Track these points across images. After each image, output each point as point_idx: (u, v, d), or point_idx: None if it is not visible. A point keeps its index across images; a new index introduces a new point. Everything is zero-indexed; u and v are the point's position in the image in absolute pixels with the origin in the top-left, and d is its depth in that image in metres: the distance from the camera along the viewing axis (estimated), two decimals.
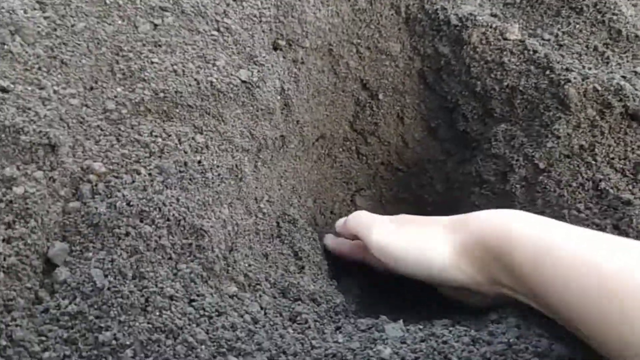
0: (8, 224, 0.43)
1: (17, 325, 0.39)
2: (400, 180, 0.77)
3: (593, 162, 0.57)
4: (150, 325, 0.41)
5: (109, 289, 0.42)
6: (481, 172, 0.64)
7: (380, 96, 0.71)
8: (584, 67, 0.60)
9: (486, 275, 0.44)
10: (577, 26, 0.64)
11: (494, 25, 0.64)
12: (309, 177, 0.71)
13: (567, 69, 0.59)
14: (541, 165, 0.58)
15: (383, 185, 0.78)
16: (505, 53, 0.63)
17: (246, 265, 0.50)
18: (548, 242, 0.39)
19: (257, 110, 0.59)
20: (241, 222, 0.53)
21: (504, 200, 0.62)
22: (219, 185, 0.52)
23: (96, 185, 0.48)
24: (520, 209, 0.60)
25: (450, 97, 0.68)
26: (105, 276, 0.43)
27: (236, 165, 0.54)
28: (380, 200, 0.79)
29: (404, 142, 0.74)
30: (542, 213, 0.58)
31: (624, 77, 0.60)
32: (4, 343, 0.38)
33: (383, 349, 0.42)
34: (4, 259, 0.41)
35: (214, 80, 0.56)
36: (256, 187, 0.57)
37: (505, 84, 0.62)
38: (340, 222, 0.59)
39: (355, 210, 0.76)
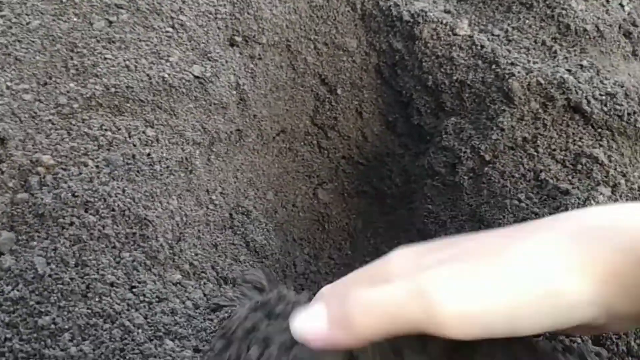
0: None
1: None
2: (361, 173, 0.78)
3: (535, 153, 0.58)
4: (89, 311, 0.43)
5: (50, 275, 0.44)
6: (433, 164, 0.66)
7: (339, 91, 0.73)
8: (529, 61, 0.62)
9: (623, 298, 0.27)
10: (527, 21, 0.66)
11: (444, 21, 0.65)
12: (269, 170, 0.73)
13: (512, 64, 0.61)
14: (487, 157, 0.60)
15: (345, 178, 0.79)
16: (454, 48, 0.64)
17: (192, 254, 0.52)
18: None
19: (210, 105, 0.60)
20: (190, 213, 0.54)
21: (453, 191, 0.63)
22: (167, 177, 0.53)
23: (44, 177, 0.49)
24: (468, 199, 0.61)
25: (405, 91, 0.70)
26: (48, 264, 0.44)
27: (186, 158, 0.56)
28: (343, 194, 0.80)
29: (363, 137, 0.76)
30: (487, 203, 0.60)
31: (569, 70, 0.62)
32: None
33: None
34: None
35: (166, 75, 0.57)
36: (208, 180, 0.59)
37: (455, 78, 0.64)
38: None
39: (317, 203, 0.78)
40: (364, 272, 0.31)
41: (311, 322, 0.29)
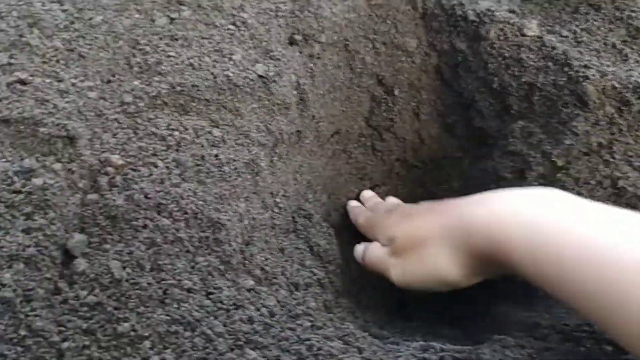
0: (27, 214, 0.43)
1: (36, 316, 0.39)
2: (415, 176, 0.77)
3: (611, 159, 0.56)
4: (168, 317, 0.41)
5: (127, 280, 0.42)
6: (498, 169, 0.64)
7: (396, 92, 0.71)
8: (602, 64, 0.60)
9: (499, 270, 0.45)
10: (596, 23, 0.64)
11: (511, 22, 0.63)
12: (324, 172, 0.71)
13: (585, 66, 0.59)
14: (559, 163, 0.58)
15: (398, 181, 0.77)
16: (523, 49, 0.62)
17: (262, 259, 0.50)
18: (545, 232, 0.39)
19: (274, 105, 0.58)
20: (257, 217, 0.53)
21: None
22: (235, 179, 0.52)
23: (114, 177, 0.48)
24: None
25: (467, 93, 0.68)
26: (124, 268, 0.43)
27: (252, 160, 0.54)
28: (396, 197, 0.78)
29: (419, 139, 0.74)
30: None
31: None
32: (24, 333, 0.39)
33: None
34: (24, 250, 0.41)
35: (231, 74, 0.56)
36: (272, 182, 0.57)
37: (523, 80, 0.62)
38: (358, 253, 0.60)
39: None
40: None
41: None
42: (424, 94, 0.71)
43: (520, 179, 0.61)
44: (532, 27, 0.62)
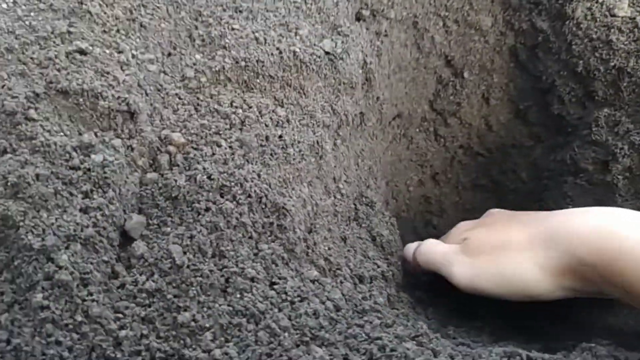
0: (86, 193, 0.40)
1: (93, 301, 0.37)
2: (480, 165, 0.72)
3: None
4: (230, 308, 0.39)
5: (188, 266, 0.39)
6: (577, 160, 0.59)
7: (466, 74, 0.66)
8: None
9: (591, 287, 0.43)
10: None
11: (600, 0, 0.58)
12: (384, 157, 0.67)
13: None
14: None
15: (460, 170, 0.73)
16: (612, 31, 0.57)
17: (326, 248, 0.47)
18: None
19: (340, 84, 0.55)
20: (320, 203, 0.50)
21: (603, 192, 0.56)
22: (299, 162, 0.48)
23: (175, 156, 0.45)
24: (622, 201, 0.55)
25: (546, 77, 0.63)
26: (184, 253, 0.40)
27: (317, 142, 0.51)
28: (457, 186, 0.74)
29: (487, 125, 0.69)
30: None
31: None
32: (80, 319, 0.36)
33: None
34: (82, 230, 0.39)
35: (297, 50, 0.52)
36: (335, 166, 0.54)
37: (612, 64, 0.57)
38: (409, 251, 0.55)
39: None
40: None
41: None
42: (495, 77, 0.66)
43: (603, 171, 0.57)
44: (624, 7, 0.57)
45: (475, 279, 0.47)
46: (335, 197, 0.53)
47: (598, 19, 0.58)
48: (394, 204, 0.70)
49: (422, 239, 0.72)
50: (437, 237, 0.72)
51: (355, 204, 0.56)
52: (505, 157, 0.70)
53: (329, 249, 0.47)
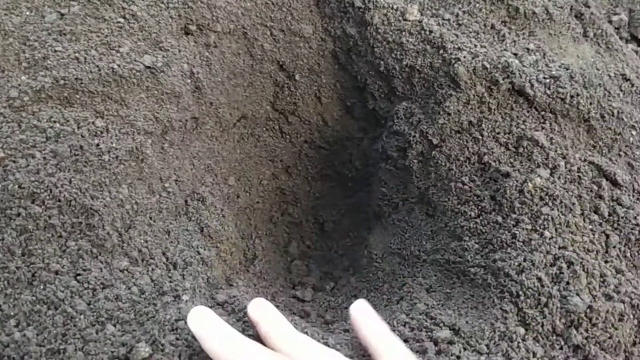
0: None
1: None
2: (323, 157, 0.80)
3: (480, 137, 0.59)
4: (34, 298, 0.45)
5: None
6: (386, 148, 0.67)
7: (297, 77, 0.74)
8: (476, 45, 0.63)
9: None
10: (477, 5, 0.67)
11: (394, 7, 0.66)
12: (231, 156, 0.74)
13: (459, 48, 0.62)
14: (434, 141, 0.61)
15: (308, 162, 0.81)
16: (404, 33, 0.65)
17: (142, 241, 0.53)
18: None
19: (162, 94, 0.61)
20: (142, 201, 0.56)
21: (405, 175, 0.65)
22: (117, 166, 0.55)
23: None
24: (417, 182, 0.63)
25: (360, 76, 0.71)
26: None
27: (137, 147, 0.57)
28: (307, 177, 0.82)
29: (323, 121, 0.77)
30: (434, 186, 0.61)
31: (515, 54, 0.63)
32: None
33: None
34: None
35: (116, 66, 0.58)
36: (162, 168, 0.60)
37: (405, 63, 0.65)
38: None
39: None
40: None
41: None
42: (323, 78, 0.74)
43: (403, 157, 0.65)
44: (413, 12, 0.65)
45: None
46: (160, 195, 0.59)
47: (392, 24, 0.66)
48: (246, 197, 0.77)
49: (277, 227, 0.80)
50: (293, 224, 0.80)
51: (186, 200, 0.62)
52: (342, 149, 0.78)
53: (146, 241, 0.54)
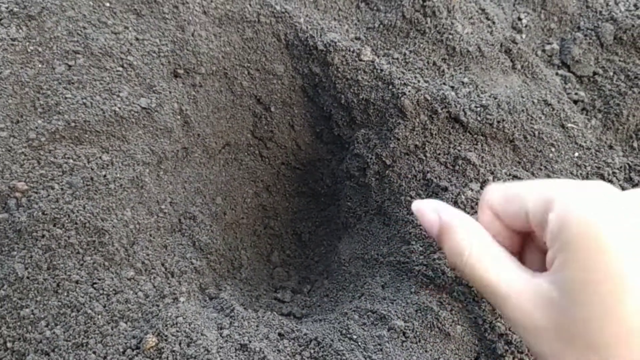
0: None
1: None
2: (298, 177, 0.91)
3: (424, 157, 0.71)
4: (59, 303, 0.56)
5: (27, 277, 0.56)
6: (349, 168, 0.79)
7: (273, 109, 0.85)
8: (419, 81, 0.75)
9: None
10: (421, 45, 0.79)
11: (351, 49, 0.78)
12: (217, 178, 0.86)
13: (404, 84, 0.74)
14: (387, 162, 0.73)
15: (285, 181, 0.92)
16: (359, 72, 0.77)
17: (144, 254, 0.65)
18: None
19: (157, 130, 0.73)
20: (142, 221, 0.67)
21: (365, 191, 0.76)
22: (121, 193, 0.66)
23: (20, 200, 0.62)
24: (375, 197, 0.75)
25: (326, 107, 0.82)
26: (26, 269, 0.57)
27: (137, 176, 0.68)
28: (285, 195, 0.93)
29: (297, 146, 0.89)
30: (389, 200, 0.73)
31: (452, 87, 0.75)
32: None
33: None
34: None
35: (117, 109, 0.70)
36: (158, 192, 0.71)
37: (361, 97, 0.77)
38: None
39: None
40: None
41: None
42: (295, 109, 0.86)
43: (363, 176, 0.76)
44: (367, 53, 0.77)
45: None
46: (158, 215, 0.70)
47: (350, 64, 0.78)
48: (232, 214, 0.88)
49: (261, 239, 0.91)
50: (274, 236, 0.92)
51: (180, 219, 0.74)
52: (314, 169, 0.90)
53: (148, 254, 0.65)
